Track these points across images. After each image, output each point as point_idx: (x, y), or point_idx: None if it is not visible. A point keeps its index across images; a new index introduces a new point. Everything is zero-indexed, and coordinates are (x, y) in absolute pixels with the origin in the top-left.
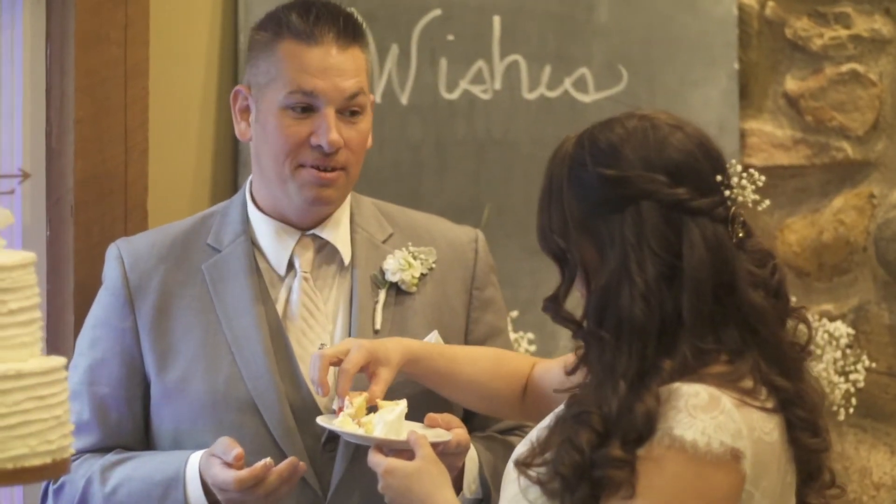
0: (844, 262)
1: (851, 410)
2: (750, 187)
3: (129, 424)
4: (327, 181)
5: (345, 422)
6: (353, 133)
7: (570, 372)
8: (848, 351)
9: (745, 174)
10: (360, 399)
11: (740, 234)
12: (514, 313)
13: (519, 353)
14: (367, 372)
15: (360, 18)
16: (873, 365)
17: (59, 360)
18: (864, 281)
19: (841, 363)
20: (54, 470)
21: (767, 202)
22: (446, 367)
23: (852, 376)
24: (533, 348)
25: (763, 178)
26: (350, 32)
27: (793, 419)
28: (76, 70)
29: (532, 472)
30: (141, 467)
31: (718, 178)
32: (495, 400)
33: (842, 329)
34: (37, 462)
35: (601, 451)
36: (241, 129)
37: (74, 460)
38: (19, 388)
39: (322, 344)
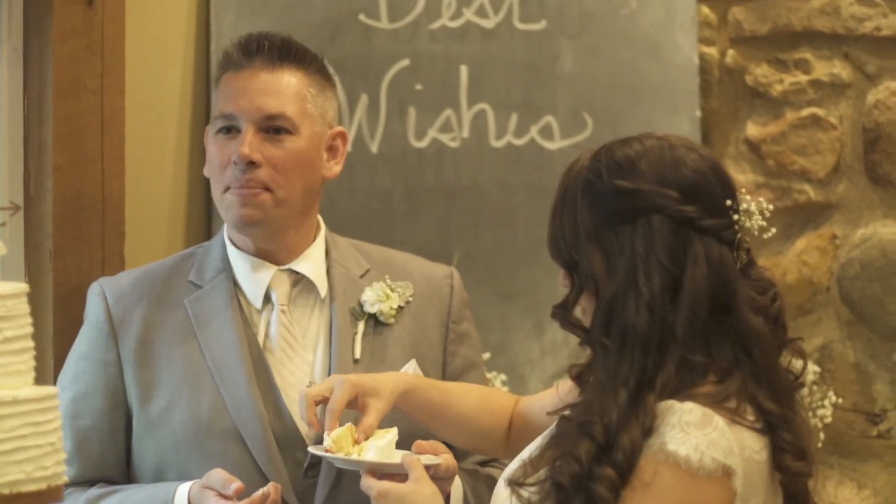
0: (808, 302)
1: (819, 446)
2: (757, 215)
3: (112, 457)
4: (244, 197)
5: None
6: (278, 152)
7: (576, 377)
8: (815, 388)
9: (754, 202)
10: (337, 433)
11: (744, 260)
12: (487, 355)
13: (502, 391)
14: (357, 406)
15: (300, 45)
16: (839, 401)
17: (52, 388)
18: (828, 320)
19: (808, 400)
20: (49, 496)
21: (773, 230)
22: (440, 399)
23: (819, 412)
24: (506, 389)
25: (771, 207)
26: (276, 54)
27: (779, 441)
28: (54, 118)
29: (524, 493)
30: (127, 500)
31: (728, 202)
32: (483, 436)
33: (808, 366)
34: (32, 487)
35: (598, 466)
36: (205, 168)
37: None
38: (15, 413)
39: (311, 382)
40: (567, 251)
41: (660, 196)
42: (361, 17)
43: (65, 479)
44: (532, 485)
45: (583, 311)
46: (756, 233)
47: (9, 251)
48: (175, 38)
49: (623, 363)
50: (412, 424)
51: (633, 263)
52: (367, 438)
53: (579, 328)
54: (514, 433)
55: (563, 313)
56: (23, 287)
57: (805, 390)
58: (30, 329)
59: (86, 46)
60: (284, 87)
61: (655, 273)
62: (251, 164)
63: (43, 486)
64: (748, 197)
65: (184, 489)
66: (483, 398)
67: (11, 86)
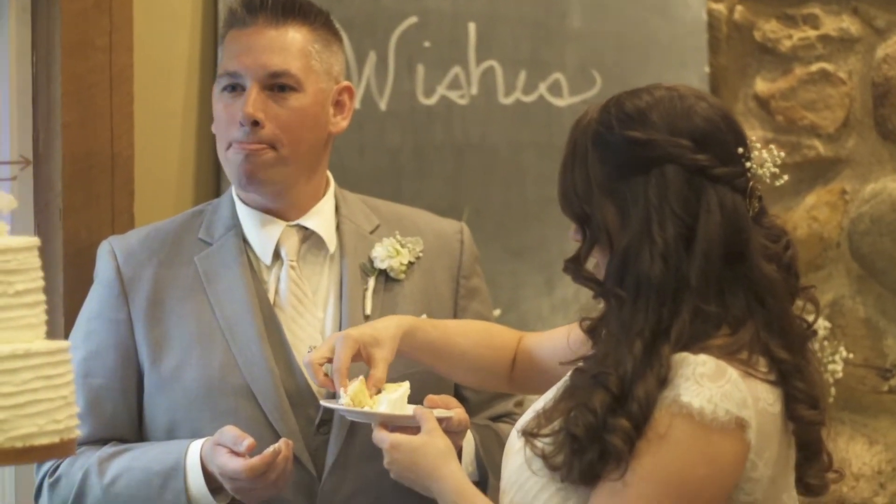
0: (819, 258)
1: (830, 402)
2: (769, 162)
3: (124, 415)
4: (248, 152)
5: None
6: (282, 110)
7: (588, 330)
8: (825, 343)
9: (766, 149)
10: (353, 386)
11: (756, 208)
12: (497, 312)
13: (505, 327)
14: (363, 359)
15: (304, 0)
16: (850, 356)
17: (64, 342)
18: (838, 276)
19: (819, 355)
20: (62, 449)
21: (786, 177)
22: (440, 338)
23: (830, 367)
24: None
25: (783, 154)
26: (280, 10)
27: (791, 391)
28: (62, 76)
29: (538, 443)
30: (139, 458)
31: (740, 150)
32: (486, 371)
33: (819, 322)
34: (45, 441)
35: (613, 417)
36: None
37: None
38: (27, 367)
39: (311, 347)
40: (579, 204)
41: (672, 145)
42: None
43: (77, 433)
44: (546, 436)
45: (595, 266)
46: (768, 180)
47: (19, 209)
48: None
49: (638, 313)
50: (423, 380)
51: (647, 213)
52: (378, 392)
53: (592, 281)
54: (519, 369)
55: (575, 267)
56: (34, 241)
57: (816, 346)
58: (41, 283)
59: (94, 4)
60: (289, 44)
61: (669, 222)
62: (255, 124)
63: (55, 439)
64: (758, 145)
65: (196, 446)
66: (485, 334)
67: (20, 44)
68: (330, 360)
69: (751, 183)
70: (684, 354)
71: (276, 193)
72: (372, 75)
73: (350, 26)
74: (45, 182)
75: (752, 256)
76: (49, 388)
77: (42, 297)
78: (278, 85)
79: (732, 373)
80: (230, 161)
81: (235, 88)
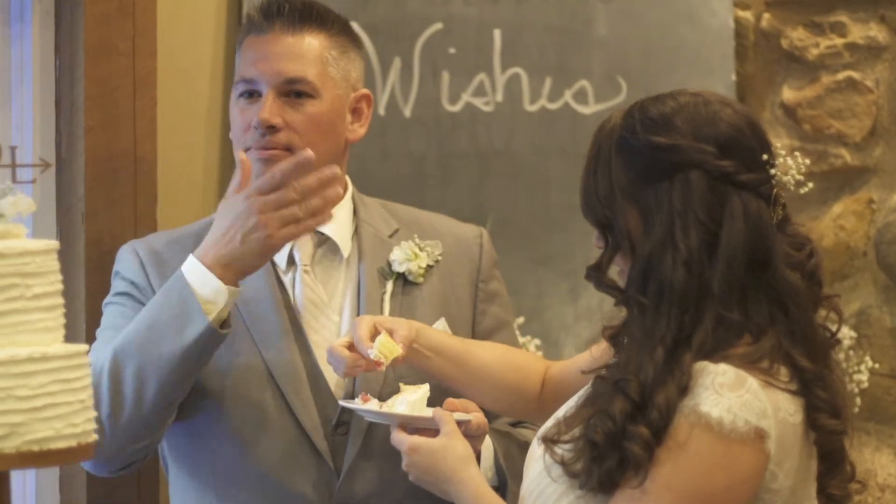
0: (845, 267)
1: (856, 412)
2: (794, 170)
3: None
4: (265, 157)
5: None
6: (299, 116)
7: (611, 337)
8: (851, 353)
9: (790, 156)
10: (378, 339)
11: (780, 215)
12: (521, 320)
13: (529, 352)
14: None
15: (322, 6)
16: (877, 366)
17: (82, 346)
18: (864, 286)
19: (844, 365)
20: (79, 453)
21: (811, 185)
22: (460, 346)
23: (856, 377)
24: (540, 354)
25: (808, 162)
26: (297, 17)
27: (814, 400)
28: (86, 80)
29: (557, 450)
30: (143, 312)
31: (765, 156)
32: (511, 392)
33: (845, 332)
34: (62, 445)
35: (632, 424)
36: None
37: None
38: (45, 370)
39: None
40: (601, 210)
41: (697, 151)
42: None
43: (95, 437)
44: (566, 442)
45: (619, 273)
46: (793, 187)
47: (41, 213)
48: (207, 0)
49: (660, 320)
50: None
51: (671, 220)
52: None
53: (614, 288)
54: (549, 395)
55: (597, 274)
56: (53, 244)
57: (841, 355)
58: (59, 286)
59: (117, 8)
60: (305, 51)
61: (693, 229)
62: (271, 129)
63: (73, 443)
64: (783, 152)
65: (188, 265)
66: (507, 352)
67: (43, 47)
68: (351, 345)
69: (775, 190)
70: (704, 363)
71: None
72: (397, 82)
73: (375, 32)
74: (67, 186)
75: (776, 264)
76: (66, 391)
77: (60, 300)
78: (294, 91)
79: (752, 382)
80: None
81: (252, 95)
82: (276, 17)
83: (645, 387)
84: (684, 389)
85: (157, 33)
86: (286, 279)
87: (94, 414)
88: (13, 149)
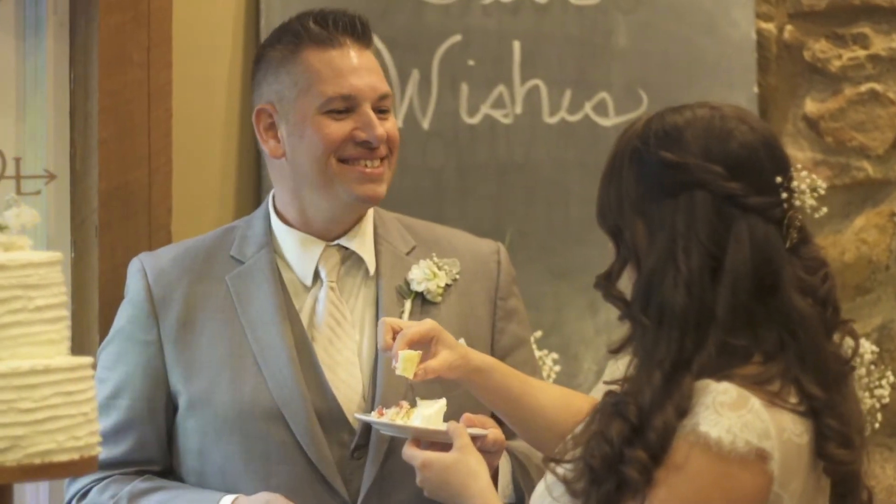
0: (867, 281)
1: (877, 426)
2: (809, 193)
3: (153, 438)
4: (376, 176)
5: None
6: (391, 131)
7: (614, 351)
8: (872, 367)
9: (807, 179)
10: (408, 352)
11: (795, 238)
12: (539, 333)
13: (580, 394)
14: (429, 352)
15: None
16: None
17: (86, 359)
18: (887, 299)
19: (866, 380)
20: (81, 466)
21: (825, 210)
22: (519, 387)
23: (877, 392)
24: (558, 368)
25: (824, 185)
26: (366, 35)
27: (823, 428)
28: (100, 92)
29: (560, 469)
30: (171, 502)
31: (778, 179)
32: (561, 435)
33: (866, 346)
34: (64, 458)
35: (629, 448)
36: (272, 147)
37: (101, 479)
38: (47, 382)
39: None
40: (612, 219)
41: (704, 171)
42: None
43: (98, 449)
44: (568, 462)
45: (632, 285)
46: (808, 211)
47: (55, 225)
48: (224, 12)
49: (660, 343)
50: (461, 403)
51: (673, 239)
52: (426, 376)
53: (620, 300)
54: None
55: (605, 284)
56: (56, 255)
57: (862, 370)
58: (64, 298)
59: (132, 19)
60: (377, 66)
61: (695, 251)
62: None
63: (75, 456)
64: (805, 173)
65: (227, 501)
66: (564, 396)
67: (58, 59)
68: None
69: (789, 213)
70: (707, 382)
71: None
72: (415, 94)
73: (393, 44)
74: (81, 198)
75: (785, 289)
76: (69, 404)
77: (65, 312)
78: (383, 107)
79: (755, 402)
80: (348, 178)
81: (343, 111)
82: (344, 30)
83: (643, 409)
84: (683, 412)
85: (172, 44)
86: (308, 295)
87: (97, 427)
88: (17, 160)
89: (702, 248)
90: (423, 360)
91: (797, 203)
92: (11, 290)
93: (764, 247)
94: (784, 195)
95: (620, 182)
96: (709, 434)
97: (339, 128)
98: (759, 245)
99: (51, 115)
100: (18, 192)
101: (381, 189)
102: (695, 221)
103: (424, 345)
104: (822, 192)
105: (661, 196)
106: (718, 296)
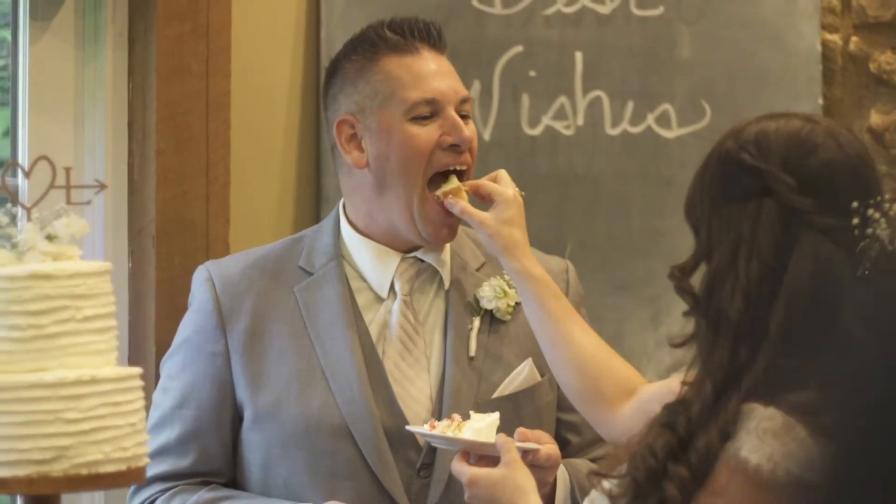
0: None
1: None
2: (883, 222)
3: (218, 450)
4: (454, 222)
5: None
6: (472, 134)
7: (677, 345)
8: None
9: (886, 205)
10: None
11: (868, 268)
12: None
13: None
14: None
15: None
16: None
17: (134, 369)
18: None
19: None
20: (129, 477)
21: None
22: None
23: None
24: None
25: None
26: (441, 40)
27: None
28: (158, 102)
29: (605, 483)
30: None
31: (855, 203)
32: (596, 383)
33: None
34: (111, 468)
35: (674, 463)
36: (355, 157)
37: (166, 490)
38: (94, 393)
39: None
40: (694, 214)
41: (775, 180)
42: (474, 2)
43: (146, 460)
44: (614, 477)
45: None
46: (886, 241)
47: (112, 236)
48: (284, 22)
49: (715, 349)
50: (520, 416)
51: (737, 244)
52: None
53: (690, 295)
54: (631, 408)
55: (679, 277)
56: (105, 265)
57: None
58: (112, 308)
59: (191, 30)
60: (454, 71)
61: (755, 260)
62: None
63: (122, 467)
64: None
65: None
66: (608, 348)
67: (116, 69)
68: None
69: (863, 242)
70: (754, 406)
71: None
72: (476, 104)
73: (454, 55)
74: (138, 208)
75: (845, 319)
76: (116, 414)
77: (113, 322)
78: (462, 112)
79: (801, 431)
80: (426, 211)
81: (428, 116)
82: (420, 37)
83: (691, 422)
84: (728, 434)
85: (231, 55)
86: (381, 308)
87: (145, 437)
88: (67, 170)
89: (762, 258)
90: None
91: (869, 231)
92: (60, 299)
93: (825, 269)
94: (856, 220)
95: (706, 178)
96: (748, 460)
97: (426, 134)
98: (821, 267)
99: (108, 126)
100: (69, 201)
101: (455, 233)
102: (759, 229)
103: None
104: None
105: (733, 199)
106: (774, 311)
